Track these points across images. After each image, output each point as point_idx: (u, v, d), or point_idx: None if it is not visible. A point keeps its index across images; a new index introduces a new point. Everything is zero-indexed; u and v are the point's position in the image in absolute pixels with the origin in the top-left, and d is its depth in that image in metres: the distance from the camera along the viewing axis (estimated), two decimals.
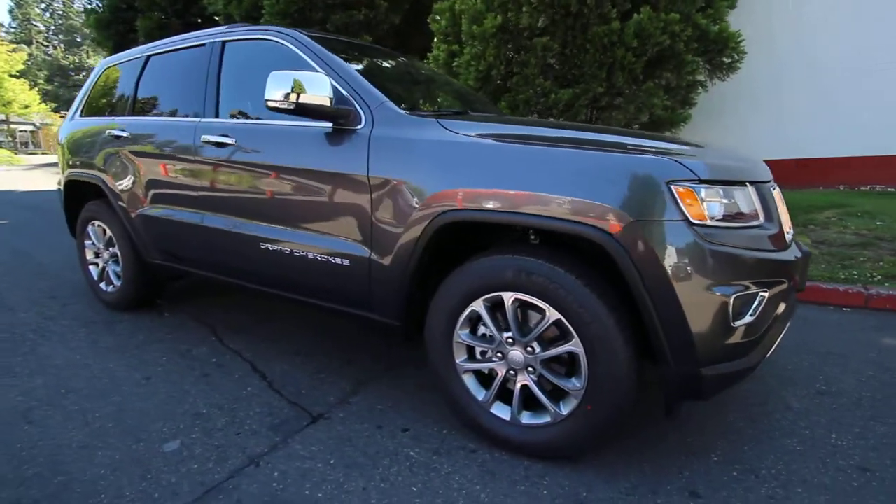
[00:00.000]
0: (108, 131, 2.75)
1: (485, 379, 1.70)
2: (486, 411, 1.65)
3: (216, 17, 8.24)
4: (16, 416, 1.90)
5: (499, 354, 1.61)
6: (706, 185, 1.33)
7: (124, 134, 2.65)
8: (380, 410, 1.94)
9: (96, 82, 3.09)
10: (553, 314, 1.46)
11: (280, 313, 3.00)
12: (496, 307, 1.59)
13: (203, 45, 2.42)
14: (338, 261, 1.87)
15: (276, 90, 1.73)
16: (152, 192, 2.53)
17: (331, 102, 1.77)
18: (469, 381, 1.69)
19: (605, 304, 1.38)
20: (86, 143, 2.93)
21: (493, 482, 1.51)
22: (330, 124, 1.88)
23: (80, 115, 3.13)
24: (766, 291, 1.41)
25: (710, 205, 1.33)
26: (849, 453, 1.63)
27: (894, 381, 2.11)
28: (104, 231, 2.95)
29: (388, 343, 2.57)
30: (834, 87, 6.26)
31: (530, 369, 1.56)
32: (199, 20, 8.93)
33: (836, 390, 2.04)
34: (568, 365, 1.53)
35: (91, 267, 3.11)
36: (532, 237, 1.69)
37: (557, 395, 1.55)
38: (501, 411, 1.64)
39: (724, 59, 4.68)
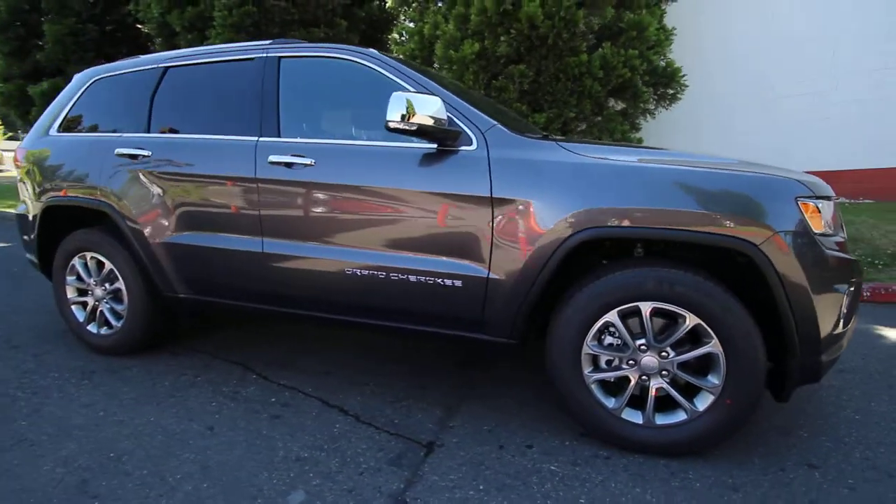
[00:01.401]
0: (117, 149, 2.38)
1: (609, 387, 1.78)
2: (618, 418, 1.73)
3: (140, 26, 7.44)
4: (72, 492, 1.56)
5: (630, 361, 1.71)
6: (817, 200, 1.58)
7: (143, 153, 2.32)
8: (488, 431, 1.92)
9: (80, 95, 2.66)
10: (693, 320, 1.60)
11: (311, 342, 2.81)
12: (626, 317, 1.70)
13: (251, 59, 2.23)
14: (448, 282, 1.84)
15: (396, 111, 1.69)
16: (186, 216, 2.25)
17: (445, 124, 1.77)
18: (596, 390, 1.76)
19: (744, 307, 1.56)
20: (75, 162, 2.51)
21: (647, 483, 1.59)
22: (434, 145, 1.87)
23: (58, 132, 2.67)
24: (853, 287, 1.69)
25: (822, 216, 1.58)
26: (891, 415, 1.99)
27: (877, 360, 2.60)
28: (99, 264, 2.52)
29: (455, 363, 2.54)
30: (733, 117, 7.45)
31: (665, 373, 1.68)
32: (116, 28, 7.98)
33: (850, 367, 2.46)
34: (697, 365, 1.68)
35: (74, 307, 2.63)
36: (638, 250, 1.84)
37: (689, 394, 1.69)
38: (632, 416, 1.73)
39: (669, 91, 5.38)
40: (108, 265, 2.47)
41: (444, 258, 1.85)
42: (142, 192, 2.32)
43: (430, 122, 1.72)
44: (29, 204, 2.70)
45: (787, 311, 1.52)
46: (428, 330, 1.98)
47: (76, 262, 2.56)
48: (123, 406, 2.09)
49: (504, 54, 4.72)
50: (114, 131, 2.49)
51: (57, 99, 2.77)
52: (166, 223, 2.29)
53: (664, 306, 1.62)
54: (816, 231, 1.55)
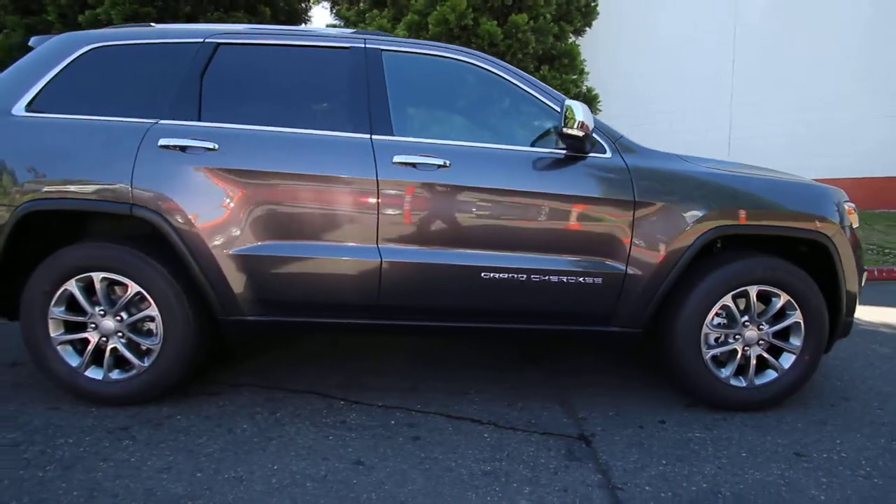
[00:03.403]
0: (161, 140, 1.85)
1: (716, 360, 2.11)
2: (727, 385, 2.07)
3: None
4: None
5: (736, 336, 2.06)
6: (849, 203, 2.16)
7: (207, 145, 1.85)
8: (616, 416, 2.07)
9: (64, 66, 1.97)
10: (785, 298, 2.02)
11: (357, 359, 2.61)
12: (735, 299, 2.04)
13: (345, 48, 1.99)
14: (588, 280, 1.96)
15: (571, 117, 1.75)
16: (271, 222, 1.88)
17: (592, 132, 1.89)
18: (711, 364, 2.07)
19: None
20: (80, 154, 1.86)
21: (767, 431, 1.94)
22: (564, 152, 1.97)
23: (26, 111, 1.93)
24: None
25: (854, 214, 2.17)
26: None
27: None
28: (110, 287, 1.92)
29: (511, 362, 2.63)
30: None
31: (761, 342, 2.08)
32: None
33: None
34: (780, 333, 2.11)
35: (62, 348, 1.94)
36: (718, 244, 2.23)
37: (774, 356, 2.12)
38: (737, 381, 2.09)
39: None
40: (133, 287, 1.90)
41: (585, 258, 1.96)
42: (203, 194, 1.87)
43: (589, 128, 1.84)
44: None
45: (843, 283, 2.06)
46: (556, 328, 2.07)
47: (72, 287, 1.90)
48: (220, 460, 1.67)
49: None
50: (132, 115, 1.93)
51: (15, 70, 2.01)
52: (239, 231, 1.89)
53: (766, 288, 2.02)
54: (854, 225, 2.13)
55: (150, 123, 1.91)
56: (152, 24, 2.18)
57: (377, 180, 1.89)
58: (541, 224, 1.95)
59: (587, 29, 6.29)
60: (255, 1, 5.51)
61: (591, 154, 1.98)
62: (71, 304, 1.96)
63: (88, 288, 1.94)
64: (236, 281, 1.92)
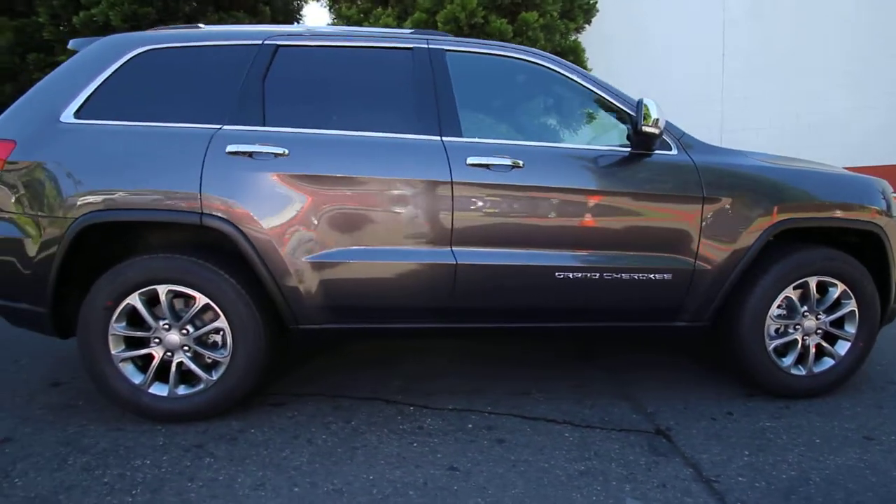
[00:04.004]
0: (229, 146, 1.78)
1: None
2: (788, 374, 2.13)
3: None
4: None
5: (796, 326, 2.12)
6: (894, 193, 2.25)
7: (278, 151, 1.80)
8: (685, 409, 2.10)
9: (115, 70, 1.87)
10: (841, 287, 2.09)
11: (411, 364, 2.59)
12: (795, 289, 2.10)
13: (408, 48, 1.96)
14: (659, 276, 1.99)
15: (650, 115, 1.77)
16: (344, 228, 1.84)
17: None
18: (774, 355, 2.12)
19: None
20: (141, 162, 1.78)
21: (835, 418, 2.01)
22: (628, 149, 1.99)
23: (75, 117, 1.83)
24: None
25: None
26: None
27: None
28: (175, 300, 1.85)
29: (563, 359, 2.66)
30: None
31: (819, 331, 2.14)
32: None
33: None
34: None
35: (123, 365, 1.86)
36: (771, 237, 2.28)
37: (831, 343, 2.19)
38: (797, 370, 2.15)
39: None
40: (201, 299, 1.83)
41: (656, 254, 1.99)
42: (274, 200, 1.81)
43: (662, 126, 1.86)
44: (25, 225, 1.80)
45: (893, 271, 2.14)
46: (626, 325, 2.09)
47: (135, 300, 1.82)
48: (310, 474, 1.63)
49: None
50: (190, 120, 1.86)
51: (60, 74, 1.91)
52: (311, 237, 1.84)
53: (823, 279, 2.08)
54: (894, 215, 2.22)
55: (214, 129, 1.84)
56: (200, 25, 2.10)
57: (451, 182, 1.86)
58: (613, 222, 1.96)
59: (587, 26, 6.37)
60: (255, 1, 5.37)
61: (657, 151, 2.00)
62: (132, 318, 1.88)
63: (151, 301, 1.87)
64: (309, 288, 1.87)
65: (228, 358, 1.89)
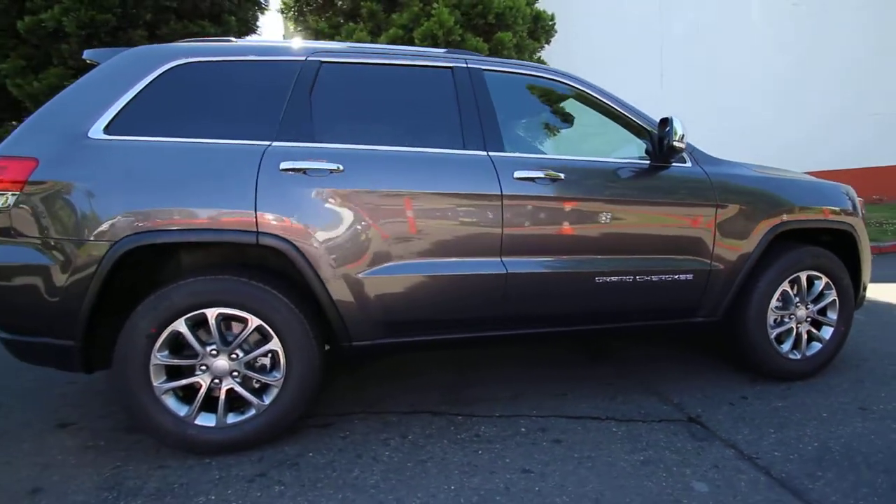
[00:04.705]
0: (283, 163, 1.73)
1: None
2: (787, 359, 2.39)
3: None
4: None
5: (791, 316, 2.40)
6: (857, 197, 2.62)
7: (332, 167, 1.77)
8: (706, 397, 2.30)
9: (148, 84, 1.76)
10: (824, 280, 2.40)
11: (446, 373, 2.62)
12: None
13: (448, 67, 2.02)
14: (683, 276, 2.18)
15: (678, 132, 1.96)
16: (398, 243, 1.85)
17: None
18: (774, 342, 2.38)
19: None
20: (186, 180, 1.68)
21: (853, 391, 2.30)
22: (648, 162, 2.18)
23: (105, 133, 1.70)
24: None
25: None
26: None
27: None
28: (224, 323, 1.75)
29: (582, 360, 2.81)
30: None
31: (808, 319, 2.43)
32: None
33: None
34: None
35: (165, 397, 1.73)
36: None
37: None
38: (793, 354, 2.42)
39: None
40: (253, 322, 1.76)
41: (680, 257, 2.18)
42: (329, 217, 1.79)
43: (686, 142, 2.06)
44: (51, 251, 1.63)
45: (863, 264, 2.49)
46: (651, 324, 2.26)
47: (181, 326, 1.71)
48: (391, 490, 1.62)
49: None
50: (231, 137, 1.79)
51: (82, 87, 1.76)
52: (367, 253, 1.83)
53: (811, 273, 2.38)
54: (864, 216, 2.58)
55: (263, 145, 1.80)
56: (232, 39, 2.04)
57: (501, 195, 1.95)
58: (644, 228, 2.14)
59: (546, 46, 6.76)
60: (220, 10, 5.16)
61: (673, 164, 2.21)
62: (174, 346, 1.77)
63: (198, 327, 1.77)
64: (365, 304, 1.86)
65: (282, 380, 1.82)
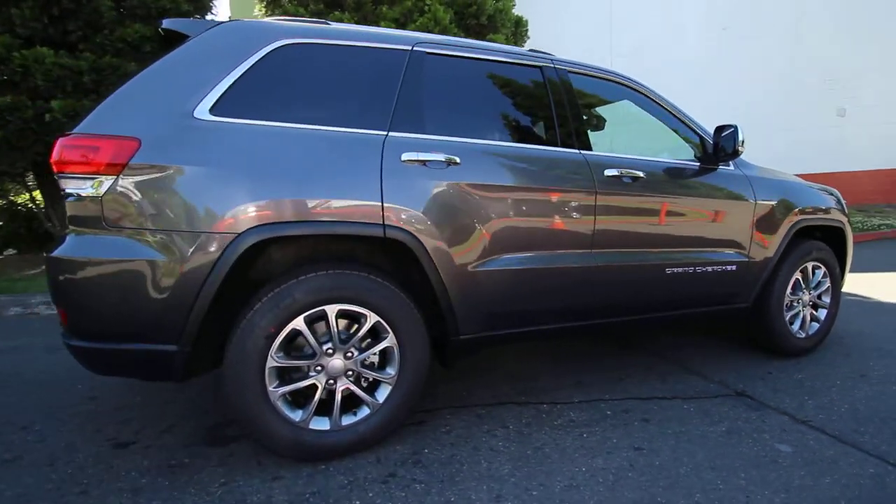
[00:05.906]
0: (404, 154, 1.66)
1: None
2: (797, 337, 2.77)
3: None
4: None
5: (799, 301, 2.78)
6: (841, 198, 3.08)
7: (452, 158, 1.74)
8: (737, 373, 2.59)
9: (255, 63, 1.59)
10: (822, 269, 2.81)
11: (503, 366, 2.69)
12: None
13: (536, 66, 2.07)
14: (730, 268, 2.44)
15: (741, 138, 2.19)
16: (507, 236, 1.87)
17: None
18: (788, 325, 2.74)
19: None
20: (317, 166, 1.60)
21: (844, 365, 2.69)
22: (698, 164, 2.42)
23: (211, 114, 1.52)
24: None
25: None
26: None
27: None
28: (333, 322, 1.65)
29: (605, 349, 3.01)
30: None
31: (810, 303, 2.83)
32: None
33: None
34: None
35: (280, 402, 1.59)
36: None
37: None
38: (799, 333, 2.80)
39: None
40: (371, 318, 1.69)
41: (728, 249, 2.45)
42: (447, 210, 1.77)
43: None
44: (156, 244, 1.44)
45: (847, 256, 2.95)
46: (703, 310, 2.50)
47: (300, 325, 1.60)
48: (531, 477, 1.66)
49: None
50: (338, 124, 1.70)
51: (177, 62, 1.56)
52: (482, 246, 1.84)
53: (815, 263, 2.78)
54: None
55: (381, 135, 1.73)
56: (329, 22, 1.92)
57: (595, 192, 2.05)
58: (704, 223, 2.37)
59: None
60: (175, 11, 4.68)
61: (720, 166, 2.47)
62: (292, 348, 1.65)
63: (316, 324, 1.66)
64: (477, 297, 1.87)
65: (395, 377, 1.78)
